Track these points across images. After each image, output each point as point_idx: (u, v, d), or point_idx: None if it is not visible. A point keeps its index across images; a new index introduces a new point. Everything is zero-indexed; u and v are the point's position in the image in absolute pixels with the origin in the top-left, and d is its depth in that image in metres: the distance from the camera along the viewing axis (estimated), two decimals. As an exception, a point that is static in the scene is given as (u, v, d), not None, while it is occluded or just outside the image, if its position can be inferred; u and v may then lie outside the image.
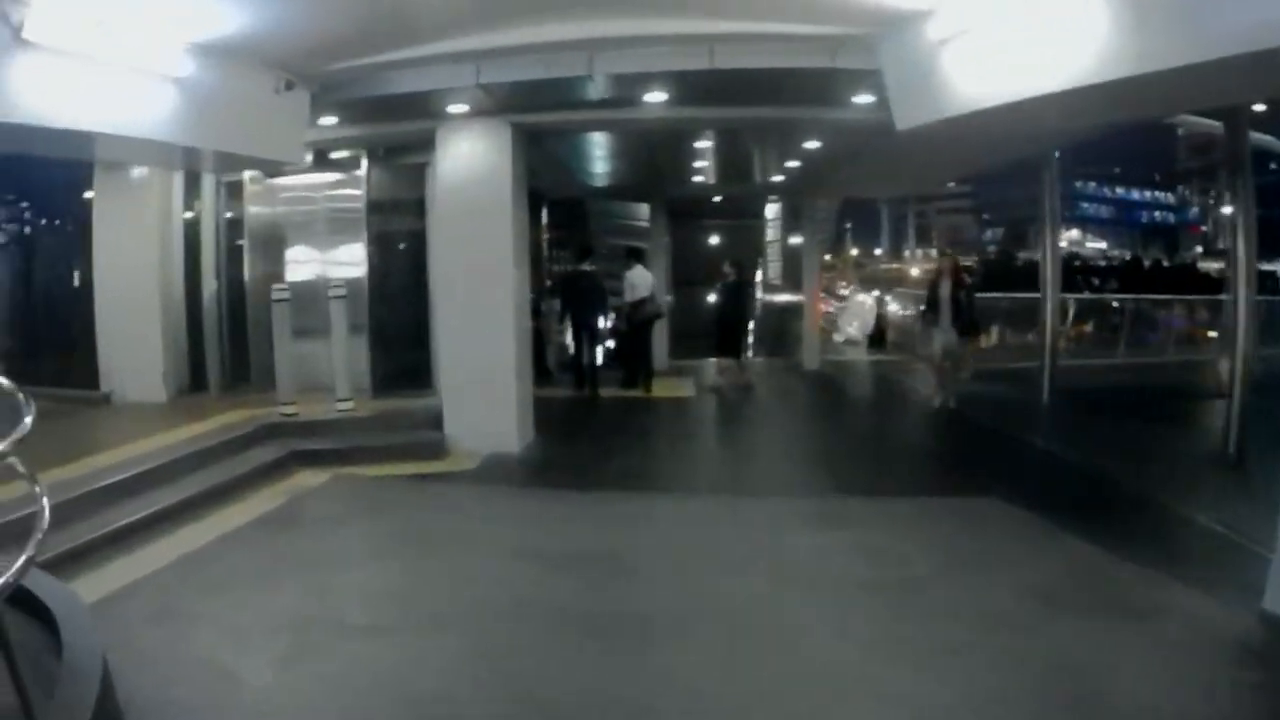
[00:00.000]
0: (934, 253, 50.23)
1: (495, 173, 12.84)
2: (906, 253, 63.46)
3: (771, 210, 32.93)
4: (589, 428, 15.71)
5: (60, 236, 16.26)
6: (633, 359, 19.21)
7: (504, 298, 12.95)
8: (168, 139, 10.04)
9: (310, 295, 13.54)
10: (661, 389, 18.63)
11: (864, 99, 11.27)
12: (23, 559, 3.85)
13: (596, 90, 11.40)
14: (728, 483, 11.66)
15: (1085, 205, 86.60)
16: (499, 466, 12.23)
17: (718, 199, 26.23)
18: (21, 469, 4.71)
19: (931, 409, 14.84)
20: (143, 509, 9.14)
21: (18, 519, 6.00)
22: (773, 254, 37.21)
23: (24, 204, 17.18)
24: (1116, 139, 48.83)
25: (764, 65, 10.34)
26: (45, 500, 4.47)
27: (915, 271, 49.42)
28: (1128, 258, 66.95)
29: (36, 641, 4.93)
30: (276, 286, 12.70)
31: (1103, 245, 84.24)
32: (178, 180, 14.26)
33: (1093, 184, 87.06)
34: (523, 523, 9.83)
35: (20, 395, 4.59)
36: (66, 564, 7.52)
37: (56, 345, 15.60)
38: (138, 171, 13.68)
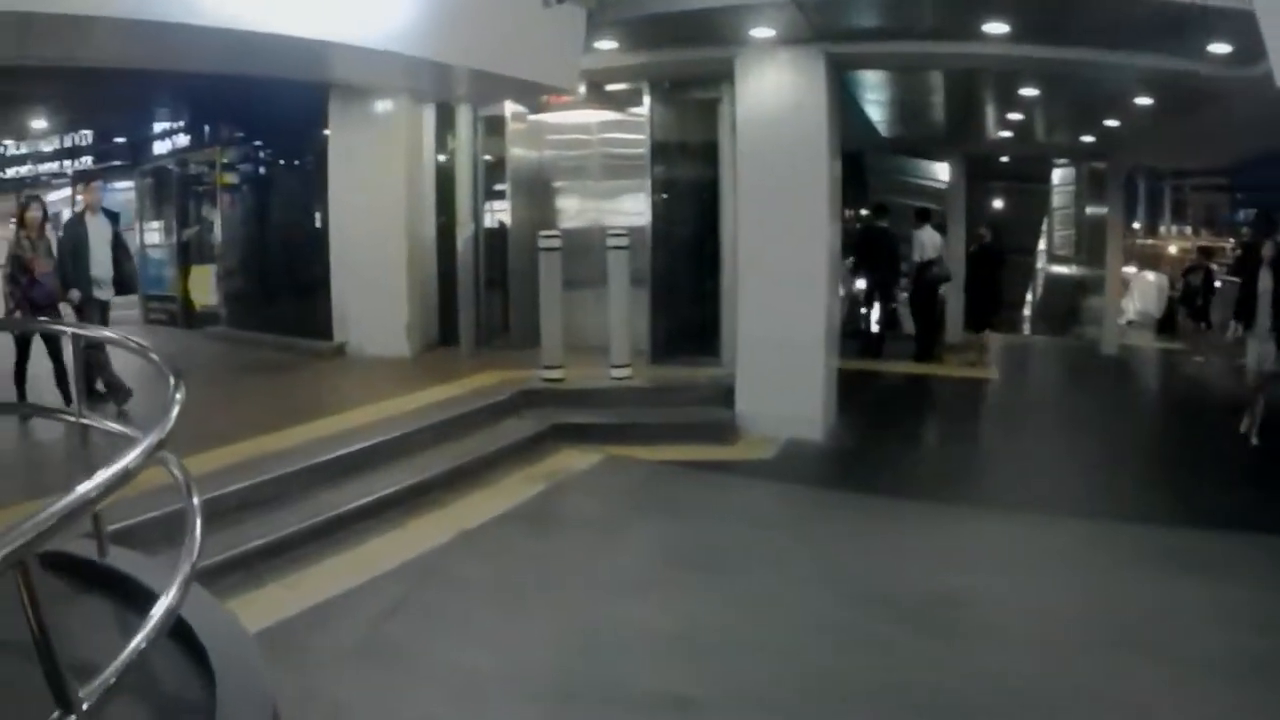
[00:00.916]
0: (1188, 230, 46.69)
1: (809, 112, 10.73)
2: (1162, 229, 59.37)
3: (1058, 175, 30.33)
4: (890, 411, 13.37)
5: (295, 176, 15.53)
6: (923, 328, 17.18)
7: (816, 256, 10.78)
8: (414, 53, 8.93)
9: (580, 245, 12.02)
10: (956, 365, 16.38)
11: (1220, 48, 9.51)
12: (164, 608, 2.79)
13: (928, 16, 9.81)
14: (1058, 497, 9.16)
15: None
16: (800, 458, 10.11)
17: (1004, 159, 23.98)
18: (175, 470, 3.63)
19: (1244, 426, 11.85)
20: (365, 493, 7.69)
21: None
22: (1060, 223, 34.30)
23: (257, 142, 16.54)
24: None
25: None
26: (198, 511, 3.42)
27: (1173, 250, 45.59)
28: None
29: (180, 693, 3.52)
30: (545, 234, 11.07)
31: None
32: (429, 116, 13.09)
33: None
34: (840, 542, 7.74)
35: (172, 377, 3.59)
36: (256, 563, 6.43)
37: (288, 291, 14.86)
38: (381, 104, 12.62)
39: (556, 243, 10.83)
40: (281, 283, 15.12)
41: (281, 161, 16.14)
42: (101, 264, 9.80)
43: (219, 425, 8.34)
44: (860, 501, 8.79)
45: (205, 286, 17.44)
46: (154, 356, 3.99)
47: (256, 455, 7.71)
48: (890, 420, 12.61)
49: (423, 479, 8.11)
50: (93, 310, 9.62)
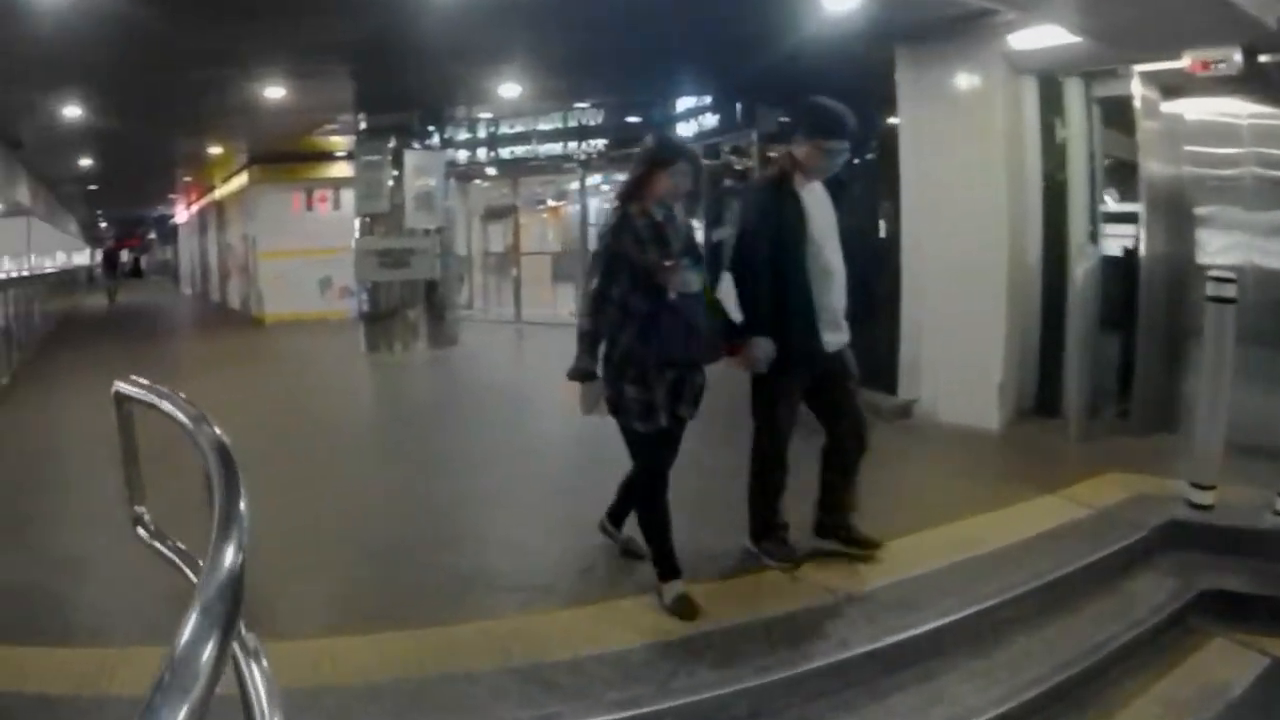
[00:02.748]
0: None
1: None
2: None
3: None
4: None
5: (853, 170, 12.58)
6: None
7: None
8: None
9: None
10: None
11: None
12: None
13: None
14: None
15: None
16: None
17: None
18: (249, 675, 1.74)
19: None
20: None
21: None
22: None
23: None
24: None
25: None
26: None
27: None
28: None
29: None
30: (1215, 274, 6.96)
31: None
32: (1029, 94, 9.73)
33: None
34: None
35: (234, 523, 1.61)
36: None
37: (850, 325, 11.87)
38: (965, 75, 9.53)
39: (1232, 290, 6.77)
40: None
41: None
42: (834, 281, 5.74)
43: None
44: None
45: (734, 298, 14.95)
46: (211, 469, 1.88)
47: (704, 630, 4.77)
48: None
49: (1002, 710, 4.53)
50: (797, 373, 5.57)
